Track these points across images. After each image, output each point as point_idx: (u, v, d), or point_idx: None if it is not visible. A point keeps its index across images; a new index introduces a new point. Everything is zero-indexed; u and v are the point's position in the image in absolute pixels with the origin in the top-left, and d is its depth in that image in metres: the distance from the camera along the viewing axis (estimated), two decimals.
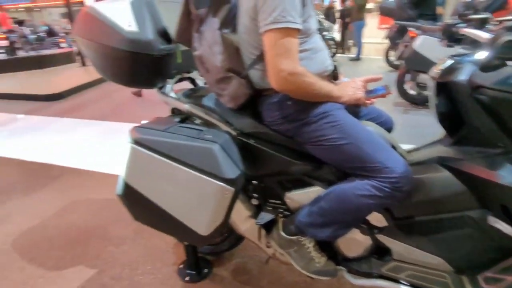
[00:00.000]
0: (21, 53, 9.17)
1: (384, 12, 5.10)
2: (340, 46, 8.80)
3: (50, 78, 6.33)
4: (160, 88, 1.30)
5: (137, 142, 1.09)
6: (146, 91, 5.61)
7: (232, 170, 1.01)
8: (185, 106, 1.22)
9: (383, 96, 1.06)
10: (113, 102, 5.26)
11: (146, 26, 1.14)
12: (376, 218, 1.08)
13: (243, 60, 1.07)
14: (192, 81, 1.46)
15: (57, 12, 27.59)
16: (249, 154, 1.13)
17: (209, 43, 1.07)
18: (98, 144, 3.44)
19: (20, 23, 11.94)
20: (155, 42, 1.15)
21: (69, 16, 8.63)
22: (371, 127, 1.10)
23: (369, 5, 8.70)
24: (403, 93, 4.01)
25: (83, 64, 8.45)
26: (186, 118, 1.25)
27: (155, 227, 1.25)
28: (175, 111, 1.31)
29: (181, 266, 1.61)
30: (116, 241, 1.89)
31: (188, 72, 1.42)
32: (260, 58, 1.01)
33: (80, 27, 1.21)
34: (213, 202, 1.03)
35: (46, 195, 2.45)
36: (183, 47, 1.25)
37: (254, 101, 1.12)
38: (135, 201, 1.19)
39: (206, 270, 1.57)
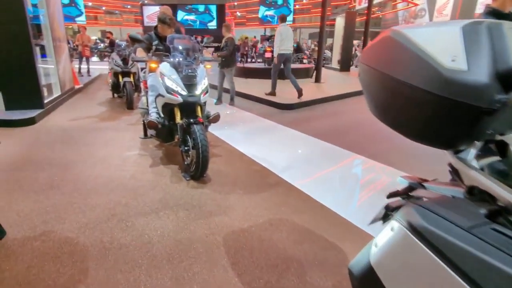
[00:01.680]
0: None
1: None
2: None
3: (288, 89, 7.19)
4: (457, 151, 0.88)
5: (414, 228, 0.73)
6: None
7: None
8: (503, 193, 0.74)
9: None
10: (332, 122, 5.28)
11: (480, 64, 0.74)
12: None
13: None
14: (502, 148, 0.95)
15: (307, 32, 32.30)
16: None
17: None
18: (313, 164, 3.42)
19: None
20: (489, 89, 0.73)
21: (320, 36, 9.59)
22: None
23: None
24: None
25: (316, 80, 9.21)
26: (497, 211, 0.77)
27: None
28: (473, 191, 0.86)
29: None
30: None
31: (502, 134, 0.92)
32: None
33: (373, 53, 0.96)
34: None
35: (260, 201, 2.57)
36: None
37: None
38: None
39: None
